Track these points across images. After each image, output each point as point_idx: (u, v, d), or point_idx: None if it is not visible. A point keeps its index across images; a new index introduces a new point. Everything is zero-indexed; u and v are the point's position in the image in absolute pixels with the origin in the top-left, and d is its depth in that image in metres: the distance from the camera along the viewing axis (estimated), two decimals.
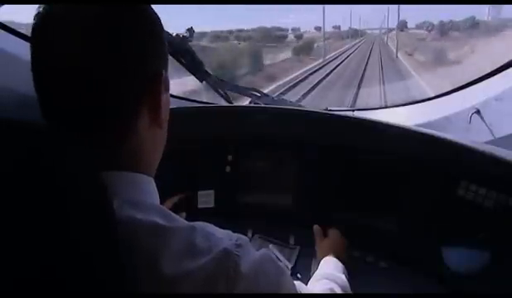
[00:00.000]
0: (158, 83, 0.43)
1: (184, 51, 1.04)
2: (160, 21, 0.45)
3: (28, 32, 0.41)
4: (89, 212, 0.30)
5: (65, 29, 0.38)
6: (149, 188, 0.45)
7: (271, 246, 0.97)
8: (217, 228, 0.43)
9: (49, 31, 0.39)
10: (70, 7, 0.39)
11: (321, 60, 19.93)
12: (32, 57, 0.40)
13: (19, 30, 0.86)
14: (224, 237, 0.41)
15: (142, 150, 0.44)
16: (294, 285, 0.48)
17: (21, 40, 0.84)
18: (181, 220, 0.41)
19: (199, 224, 0.41)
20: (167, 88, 0.47)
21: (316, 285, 0.71)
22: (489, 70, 0.99)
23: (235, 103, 1.23)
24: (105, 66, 0.39)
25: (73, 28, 0.38)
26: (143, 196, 0.43)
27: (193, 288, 0.36)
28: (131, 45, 0.40)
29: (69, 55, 0.38)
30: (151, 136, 0.45)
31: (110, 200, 0.33)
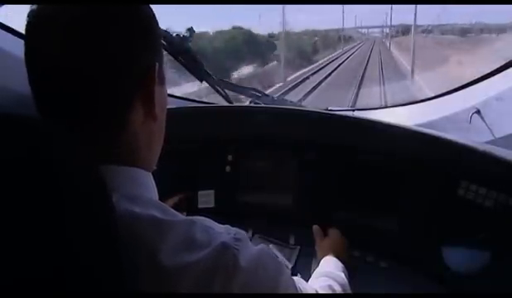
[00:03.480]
0: (151, 76, 0.43)
1: (184, 51, 1.04)
2: (153, 16, 0.45)
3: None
4: (88, 206, 0.30)
5: (55, 27, 0.39)
6: (147, 182, 0.45)
7: (271, 246, 0.97)
8: (216, 223, 0.43)
9: (39, 29, 0.40)
10: (60, 6, 0.39)
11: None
12: (25, 54, 0.40)
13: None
14: (223, 231, 0.41)
15: (139, 145, 0.44)
16: (293, 279, 0.48)
17: (21, 40, 0.84)
18: (179, 215, 0.41)
19: (198, 218, 0.41)
20: (162, 81, 0.47)
21: (315, 282, 0.71)
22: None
23: (235, 103, 1.23)
24: (95, 62, 0.39)
25: (62, 26, 0.38)
26: (141, 191, 0.43)
27: (192, 281, 0.36)
28: (121, 40, 0.40)
29: (59, 52, 0.38)
30: (146, 131, 0.45)
31: (109, 194, 0.33)
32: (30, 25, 0.40)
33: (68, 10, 0.39)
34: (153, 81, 0.43)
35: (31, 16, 0.40)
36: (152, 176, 0.47)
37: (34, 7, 0.40)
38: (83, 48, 0.38)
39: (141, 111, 0.43)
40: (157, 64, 0.44)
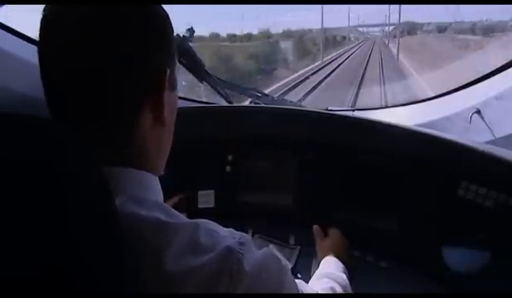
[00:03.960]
0: (161, 81, 0.43)
1: (184, 51, 1.04)
2: (168, 19, 0.45)
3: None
4: (90, 207, 0.30)
5: (68, 27, 0.39)
6: (154, 186, 0.45)
7: (271, 246, 0.97)
8: (220, 226, 0.43)
9: (53, 29, 0.40)
10: (72, 6, 0.39)
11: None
12: (39, 53, 0.41)
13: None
14: (228, 235, 0.41)
15: (146, 148, 0.44)
16: (296, 283, 0.48)
17: (21, 40, 0.84)
18: (184, 217, 0.41)
19: (202, 222, 0.41)
20: (173, 87, 0.47)
21: (316, 283, 0.71)
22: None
23: (235, 103, 1.23)
24: (107, 62, 0.39)
25: (74, 27, 0.39)
26: (147, 193, 0.43)
27: (196, 285, 0.36)
28: (133, 40, 0.40)
29: (73, 53, 0.39)
30: (154, 135, 0.45)
31: (111, 195, 0.33)
32: (43, 25, 0.40)
33: (79, 10, 0.39)
34: (163, 86, 0.43)
35: (43, 16, 0.40)
36: (157, 179, 0.47)
37: (47, 7, 0.40)
38: (95, 47, 0.39)
39: (150, 115, 0.43)
40: (169, 70, 0.44)
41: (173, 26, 0.46)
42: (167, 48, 0.45)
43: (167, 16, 0.45)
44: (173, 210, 0.41)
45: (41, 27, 0.40)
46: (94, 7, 0.39)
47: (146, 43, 0.41)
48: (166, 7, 0.46)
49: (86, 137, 0.33)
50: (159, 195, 0.46)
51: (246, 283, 0.38)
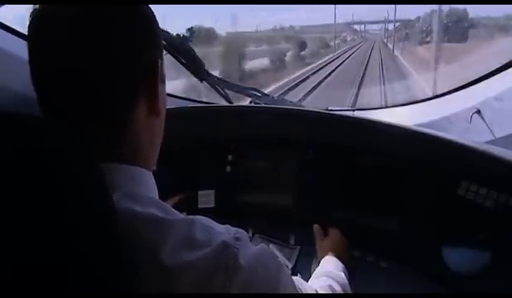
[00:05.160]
0: (155, 72, 0.44)
1: (184, 51, 1.04)
2: (154, 16, 0.46)
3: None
4: (89, 205, 0.30)
5: (57, 27, 0.39)
6: (148, 181, 0.46)
7: (271, 246, 0.97)
8: (216, 223, 0.43)
9: (42, 29, 0.40)
10: (62, 6, 0.39)
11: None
12: (29, 54, 0.41)
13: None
14: (223, 230, 0.41)
15: (141, 143, 0.45)
16: (292, 279, 0.49)
17: (21, 40, 0.84)
18: (179, 214, 0.41)
19: (198, 218, 0.42)
20: (162, 80, 0.47)
21: (315, 282, 0.71)
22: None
23: (235, 103, 1.23)
24: (99, 62, 0.39)
25: (64, 26, 0.39)
26: (142, 189, 0.43)
27: (192, 280, 0.36)
28: (123, 40, 0.41)
29: (63, 52, 0.39)
30: (148, 127, 0.45)
31: (109, 192, 0.33)
32: (32, 25, 0.40)
33: (70, 10, 0.39)
34: (157, 77, 0.44)
35: (33, 16, 0.40)
36: (152, 176, 0.47)
37: (36, 6, 0.40)
38: (86, 48, 0.39)
39: (145, 108, 0.44)
40: (160, 61, 0.45)
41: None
42: (155, 44, 0.46)
43: (153, 14, 0.46)
44: (168, 206, 0.42)
45: (30, 28, 0.40)
46: (84, 7, 0.39)
47: (135, 42, 0.42)
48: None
49: (80, 136, 0.33)
50: (154, 191, 0.46)
51: (242, 277, 0.38)
